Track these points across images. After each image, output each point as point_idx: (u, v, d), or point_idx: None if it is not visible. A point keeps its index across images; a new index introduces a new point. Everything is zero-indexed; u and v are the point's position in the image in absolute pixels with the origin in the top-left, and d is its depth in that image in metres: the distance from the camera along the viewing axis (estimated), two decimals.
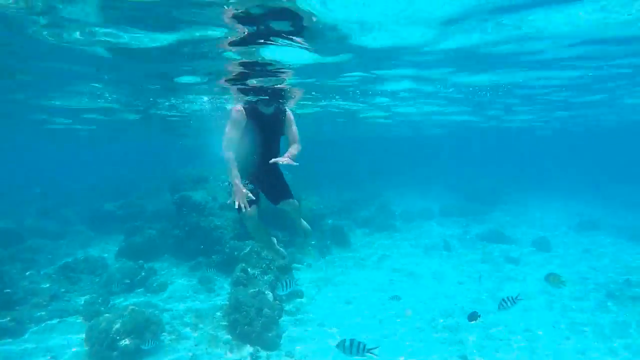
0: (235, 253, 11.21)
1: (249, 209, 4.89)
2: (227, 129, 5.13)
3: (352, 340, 5.39)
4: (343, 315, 9.32)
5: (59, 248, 13.88)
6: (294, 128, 5.58)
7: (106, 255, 13.07)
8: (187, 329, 8.50)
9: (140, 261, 11.27)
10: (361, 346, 5.35)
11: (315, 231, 14.83)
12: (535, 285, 11.12)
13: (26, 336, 8.19)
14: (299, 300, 10.10)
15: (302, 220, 6.25)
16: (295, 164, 4.94)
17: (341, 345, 5.41)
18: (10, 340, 8.00)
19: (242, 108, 5.21)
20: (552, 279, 8.64)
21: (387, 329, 8.66)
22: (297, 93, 10.75)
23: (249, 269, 9.46)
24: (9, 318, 8.30)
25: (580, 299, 10.21)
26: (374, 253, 14.39)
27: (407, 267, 12.73)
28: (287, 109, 5.65)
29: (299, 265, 12.50)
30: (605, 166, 44.85)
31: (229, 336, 8.15)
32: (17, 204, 21.81)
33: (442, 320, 9.04)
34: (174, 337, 8.14)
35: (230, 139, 5.06)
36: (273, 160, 4.90)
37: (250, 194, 4.80)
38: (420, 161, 42.38)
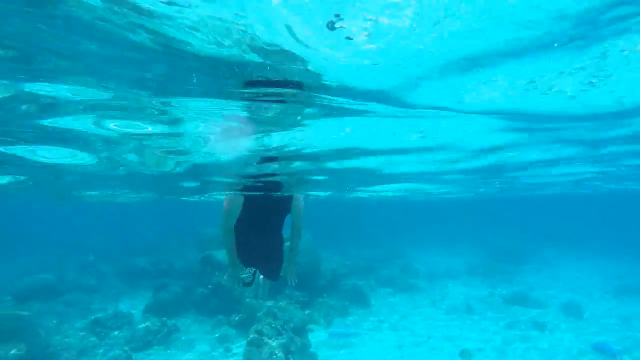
0: (253, 313, 11.68)
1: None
2: (224, 204, 5.01)
3: None
4: None
5: (93, 302, 14.72)
6: (301, 211, 5.39)
7: (134, 310, 13.76)
8: None
9: (164, 318, 11.87)
10: None
11: (336, 292, 15.18)
12: (562, 356, 10.88)
13: None
14: None
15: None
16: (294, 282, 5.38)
17: None
18: None
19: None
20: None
21: None
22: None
23: (263, 330, 9.84)
24: None
25: None
26: (394, 315, 14.43)
27: (425, 331, 12.72)
28: (294, 194, 5.41)
29: (315, 327, 12.73)
30: None
31: None
32: (62, 256, 23.28)
33: None
34: None
35: (228, 214, 4.91)
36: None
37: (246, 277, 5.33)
38: (446, 218, 42.00)
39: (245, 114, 3.85)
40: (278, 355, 9.12)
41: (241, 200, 5.03)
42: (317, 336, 12.05)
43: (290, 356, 9.79)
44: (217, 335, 11.86)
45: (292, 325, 10.79)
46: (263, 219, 5.23)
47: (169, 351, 10.95)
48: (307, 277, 13.88)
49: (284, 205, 5.30)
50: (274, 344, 9.65)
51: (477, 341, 11.89)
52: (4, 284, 15.84)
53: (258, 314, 11.25)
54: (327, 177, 8.60)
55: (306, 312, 11.99)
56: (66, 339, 10.90)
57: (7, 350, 8.76)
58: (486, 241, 27.54)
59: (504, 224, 40.77)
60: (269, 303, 11.62)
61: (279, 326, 10.48)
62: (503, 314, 14.31)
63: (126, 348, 10.70)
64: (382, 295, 16.87)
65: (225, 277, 5.41)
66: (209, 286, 13.41)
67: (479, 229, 35.68)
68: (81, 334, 11.59)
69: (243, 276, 5.67)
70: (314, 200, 20.36)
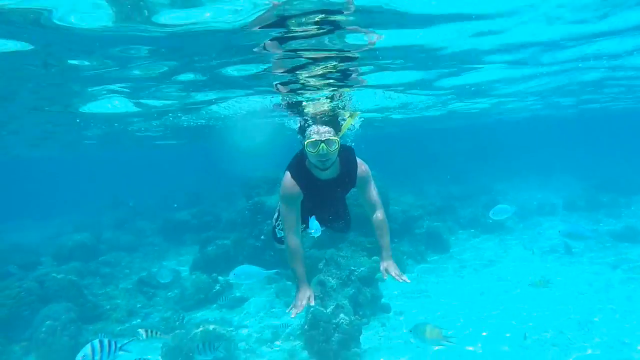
0: (314, 263, 12.04)
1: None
2: (282, 209, 4.79)
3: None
4: None
5: (135, 261, 15.74)
6: (373, 190, 4.97)
7: (180, 268, 14.60)
8: (263, 347, 9.45)
9: (214, 274, 12.52)
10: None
11: (408, 236, 15.33)
12: None
13: None
14: (384, 315, 10.64)
15: None
16: (408, 281, 4.66)
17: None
18: None
19: (291, 178, 4.68)
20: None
21: (486, 349, 8.87)
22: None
23: (326, 281, 10.15)
24: (92, 332, 9.95)
25: None
26: (478, 258, 14.46)
27: (515, 275, 12.68)
28: (359, 162, 4.89)
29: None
30: None
31: (306, 354, 8.93)
32: (96, 212, 24.94)
33: (550, 337, 9.05)
34: (249, 354, 9.12)
35: (289, 220, 4.71)
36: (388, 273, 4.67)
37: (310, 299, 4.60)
38: (538, 145, 40.61)
39: None
40: (345, 308, 9.40)
41: (296, 186, 4.68)
42: (389, 285, 12.34)
43: (359, 309, 10.11)
44: (274, 290, 12.39)
45: (358, 274, 11.04)
46: (325, 201, 5.04)
47: (223, 309, 11.62)
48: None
49: (347, 181, 4.94)
50: (339, 296, 9.96)
51: (578, 284, 11.75)
52: (41, 245, 17.23)
53: (319, 265, 11.59)
54: None
55: (374, 259, 12.18)
56: (113, 300, 11.82)
57: (59, 312, 9.68)
58: (588, 170, 26.55)
59: (610, 147, 38.90)
60: (331, 251, 11.91)
61: (344, 276, 10.76)
62: (609, 253, 14.00)
63: (177, 307, 11.47)
64: (463, 237, 16.89)
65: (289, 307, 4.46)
66: (262, 237, 13.87)
67: (578, 156, 34.37)
68: (127, 294, 12.52)
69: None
70: (384, 126, 20.14)
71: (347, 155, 4.83)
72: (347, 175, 4.80)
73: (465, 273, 13.34)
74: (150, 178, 37.61)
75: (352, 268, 11.20)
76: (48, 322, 9.47)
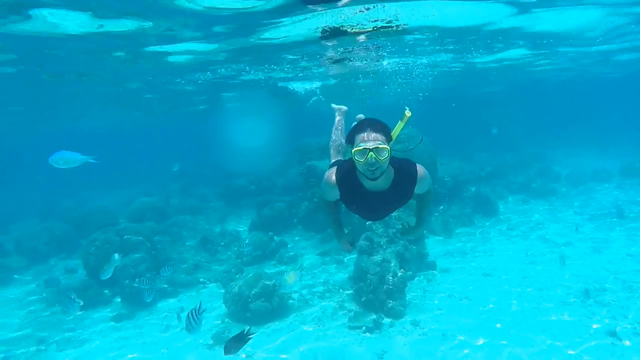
0: (364, 223, 12.54)
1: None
2: (321, 202, 4.58)
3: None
4: (478, 288, 10.05)
5: (199, 223, 16.82)
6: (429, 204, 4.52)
7: (240, 228, 15.50)
8: (315, 298, 10.15)
9: (270, 233, 13.31)
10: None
11: (457, 200, 15.56)
12: None
13: (179, 297, 10.90)
14: (430, 272, 11.09)
15: None
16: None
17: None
18: (169, 300, 10.80)
19: (333, 181, 4.08)
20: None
21: (528, 303, 9.17)
22: None
23: (374, 238, 10.65)
24: (165, 282, 11.14)
25: None
26: (526, 222, 14.54)
27: (563, 238, 12.75)
28: (420, 175, 4.02)
29: (434, 237, 13.37)
30: None
31: (354, 304, 9.57)
32: (162, 182, 26.42)
33: (595, 294, 9.22)
34: (301, 304, 9.85)
35: (326, 203, 4.51)
36: None
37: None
38: (597, 112, 38.98)
39: None
40: (391, 262, 9.88)
41: (336, 190, 4.14)
42: (435, 246, 12.73)
43: (405, 264, 10.57)
44: (326, 249, 13.04)
45: None
46: (373, 212, 4.44)
47: (279, 265, 12.42)
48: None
49: (402, 195, 4.17)
50: (386, 251, 10.43)
51: (627, 247, 11.70)
52: (116, 209, 18.61)
53: (368, 223, 12.09)
54: None
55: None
56: (181, 255, 12.93)
57: (136, 262, 10.81)
58: None
59: None
60: None
61: (391, 233, 11.22)
62: None
63: (237, 262, 12.37)
64: (512, 202, 16.90)
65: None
66: (314, 199, 14.48)
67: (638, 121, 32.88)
68: (193, 250, 13.58)
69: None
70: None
71: (405, 167, 4.04)
72: (403, 188, 4.08)
73: (512, 235, 13.52)
74: (214, 147, 38.92)
75: (399, 226, 11.65)
76: (130, 269, 10.70)
